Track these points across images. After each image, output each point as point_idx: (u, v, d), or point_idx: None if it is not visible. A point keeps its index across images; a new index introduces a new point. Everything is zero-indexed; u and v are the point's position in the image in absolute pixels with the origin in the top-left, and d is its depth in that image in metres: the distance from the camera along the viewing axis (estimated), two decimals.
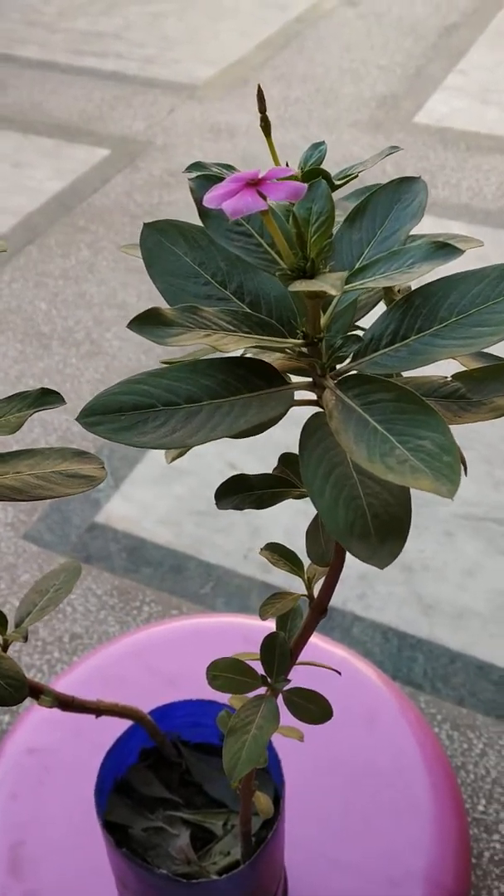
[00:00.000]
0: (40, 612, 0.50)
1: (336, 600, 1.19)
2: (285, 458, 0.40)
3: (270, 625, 1.03)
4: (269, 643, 0.44)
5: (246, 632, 0.98)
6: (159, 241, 0.32)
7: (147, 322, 0.28)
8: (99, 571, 1.24)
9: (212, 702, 0.65)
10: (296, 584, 1.21)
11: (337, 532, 0.28)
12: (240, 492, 0.38)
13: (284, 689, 0.43)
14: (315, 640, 1.00)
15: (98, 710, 0.57)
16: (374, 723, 0.87)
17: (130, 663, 0.95)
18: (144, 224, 0.33)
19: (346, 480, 0.29)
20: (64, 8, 3.07)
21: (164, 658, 0.96)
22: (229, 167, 0.37)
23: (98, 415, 0.30)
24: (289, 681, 0.44)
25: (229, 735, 0.41)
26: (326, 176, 0.31)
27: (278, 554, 0.43)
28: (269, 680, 0.44)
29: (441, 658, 1.13)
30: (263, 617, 0.43)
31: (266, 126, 0.35)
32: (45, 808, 0.82)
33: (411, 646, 1.14)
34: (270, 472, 0.42)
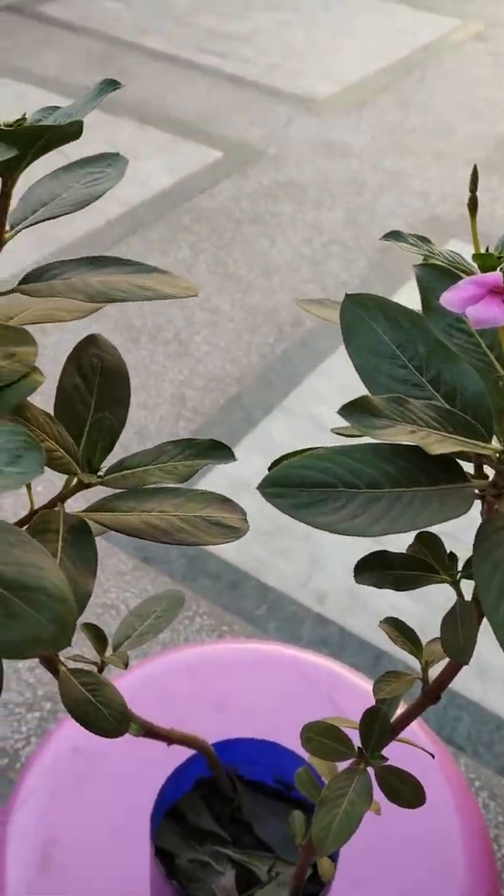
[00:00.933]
0: (139, 638, 0.50)
1: (388, 645, 1.18)
2: (423, 538, 0.39)
3: (327, 662, 1.02)
4: (370, 717, 0.43)
5: (301, 667, 0.97)
6: (359, 315, 0.32)
7: (356, 409, 0.28)
8: (157, 574, 1.25)
9: (276, 744, 0.64)
10: (350, 623, 1.20)
11: None
12: (380, 569, 0.37)
13: (379, 766, 0.43)
14: (367, 686, 0.98)
15: (171, 739, 0.56)
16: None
17: (182, 679, 0.95)
18: (346, 295, 0.32)
19: None
20: (194, 4, 3.10)
21: (216, 679, 0.95)
22: (426, 240, 0.36)
23: (280, 486, 0.30)
24: (385, 759, 0.43)
25: (321, 806, 0.41)
26: None
27: (399, 631, 0.43)
28: (364, 753, 0.43)
29: (488, 723, 1.11)
30: (377, 695, 0.42)
31: (473, 205, 0.35)
32: (82, 809, 0.82)
33: (459, 706, 1.13)
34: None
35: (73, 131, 0.34)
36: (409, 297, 1.78)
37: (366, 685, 1.01)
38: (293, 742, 0.79)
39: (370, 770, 0.44)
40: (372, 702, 1.01)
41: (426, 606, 1.22)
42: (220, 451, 0.35)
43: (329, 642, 1.18)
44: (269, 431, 1.47)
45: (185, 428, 1.46)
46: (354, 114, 2.46)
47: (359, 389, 1.23)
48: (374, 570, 0.37)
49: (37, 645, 0.25)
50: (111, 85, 0.37)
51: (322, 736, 0.44)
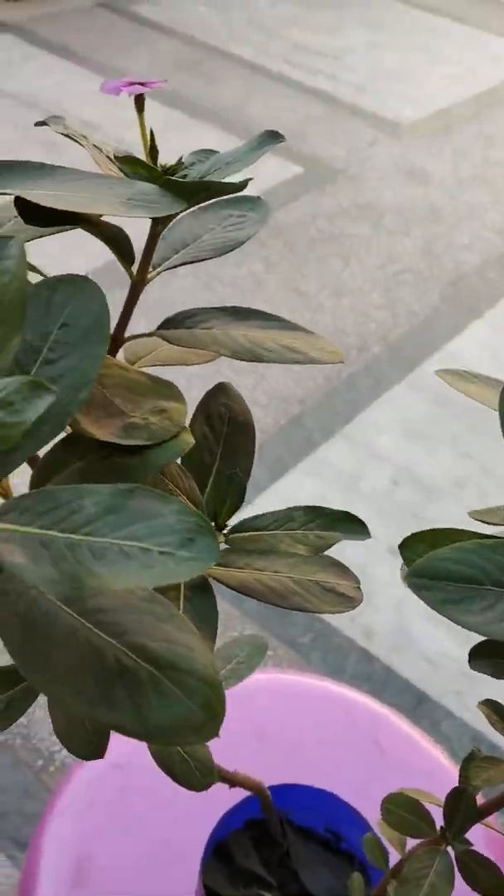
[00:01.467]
0: (223, 682, 0.49)
1: (432, 689, 1.16)
2: None
3: (375, 706, 1.00)
4: (456, 798, 0.42)
5: (347, 705, 0.95)
6: None
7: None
8: None
9: (331, 794, 0.63)
10: (395, 661, 1.18)
11: None
12: (498, 657, 0.36)
13: (462, 849, 0.41)
14: (411, 732, 0.96)
15: (233, 781, 0.56)
16: None
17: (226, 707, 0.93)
18: None
19: None
20: (288, 16, 3.10)
21: (260, 709, 0.94)
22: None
23: (426, 578, 0.29)
24: (469, 844, 0.41)
25: (401, 885, 0.40)
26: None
27: (498, 714, 0.41)
28: (447, 834, 0.42)
29: None
30: (473, 783, 0.40)
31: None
32: (121, 827, 0.82)
33: None
34: None
35: (240, 187, 0.33)
36: (478, 334, 1.76)
37: (410, 730, 0.99)
38: (336, 781, 0.78)
39: (450, 851, 0.43)
40: (417, 745, 0.99)
41: None
42: (352, 524, 0.34)
43: (372, 679, 1.17)
44: (327, 456, 1.46)
45: None
46: (438, 141, 2.44)
47: (418, 423, 1.23)
48: (493, 658, 0.35)
49: (185, 732, 0.24)
50: (274, 137, 0.37)
51: (403, 810, 0.43)
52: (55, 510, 0.24)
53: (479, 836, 0.45)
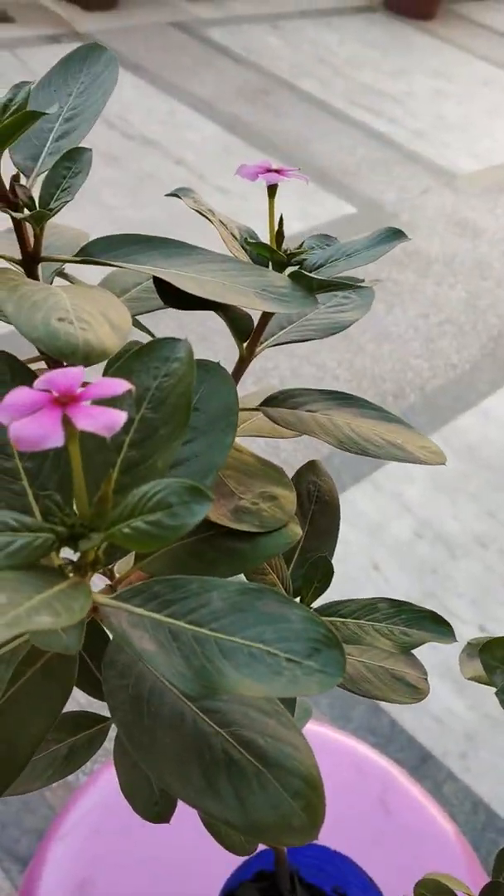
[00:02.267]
0: None
1: (437, 748, 1.16)
2: None
3: (384, 762, 1.00)
4: (490, 892, 0.42)
5: (359, 762, 0.96)
6: None
7: None
8: None
9: (345, 857, 0.64)
10: (406, 718, 1.18)
11: None
12: None
13: None
14: (418, 794, 0.96)
15: None
16: None
17: None
18: None
19: None
20: (355, 55, 3.14)
21: None
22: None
23: None
24: None
25: None
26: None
27: None
28: None
29: None
30: (496, 877, 0.41)
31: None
32: (124, 854, 0.82)
33: (497, 829, 1.10)
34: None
35: (367, 292, 0.34)
36: None
37: (415, 790, 0.99)
38: (340, 838, 0.78)
39: None
40: (423, 809, 0.98)
41: (479, 714, 1.20)
42: (438, 625, 0.35)
43: (378, 732, 1.17)
44: (354, 501, 1.47)
45: None
46: (493, 196, 2.46)
47: (446, 478, 1.24)
48: None
49: (286, 832, 0.25)
50: (397, 235, 0.38)
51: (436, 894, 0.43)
52: (184, 600, 0.25)
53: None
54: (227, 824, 0.25)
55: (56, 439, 0.20)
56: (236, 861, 0.70)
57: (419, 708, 1.19)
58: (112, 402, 0.22)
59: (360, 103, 2.80)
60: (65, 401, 0.21)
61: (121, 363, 0.25)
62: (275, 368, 1.70)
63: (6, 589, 0.21)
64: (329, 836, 0.76)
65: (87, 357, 0.25)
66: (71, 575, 0.23)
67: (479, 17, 3.81)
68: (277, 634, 0.24)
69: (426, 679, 0.39)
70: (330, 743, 1.01)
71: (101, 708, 0.79)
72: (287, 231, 2.09)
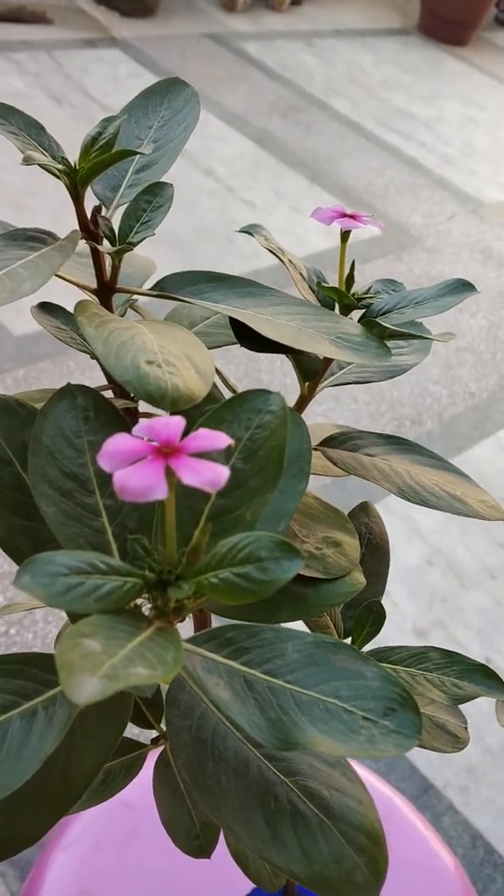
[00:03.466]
0: None
1: (438, 779, 1.16)
2: None
3: (383, 787, 0.99)
4: None
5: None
6: None
7: None
8: None
9: None
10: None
11: None
12: None
13: None
14: (421, 827, 0.96)
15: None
16: None
17: None
18: None
19: None
20: (389, 77, 3.16)
21: None
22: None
23: None
24: None
25: None
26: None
27: None
28: None
29: None
30: None
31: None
32: (124, 866, 0.82)
33: (495, 864, 1.09)
34: None
35: (437, 340, 0.34)
36: None
37: (418, 822, 0.99)
38: None
39: None
40: (425, 842, 0.98)
41: (480, 748, 1.20)
42: (489, 679, 0.35)
43: (380, 760, 1.16)
44: None
45: None
46: None
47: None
48: None
49: (349, 887, 0.25)
50: (467, 288, 0.38)
51: None
52: (259, 649, 0.25)
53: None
54: (291, 875, 0.25)
55: (161, 492, 0.20)
56: (239, 885, 0.70)
57: None
58: (210, 454, 0.23)
59: (390, 126, 2.82)
60: (167, 451, 0.21)
61: (212, 413, 0.25)
62: (294, 384, 1.70)
63: (98, 635, 0.21)
64: None
65: (175, 403, 0.25)
66: (156, 622, 0.24)
67: None
68: (353, 692, 0.24)
69: (466, 727, 0.39)
70: None
71: (138, 734, 0.78)
72: (311, 249, 2.09)
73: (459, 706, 0.35)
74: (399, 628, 1.30)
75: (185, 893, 0.77)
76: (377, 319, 0.35)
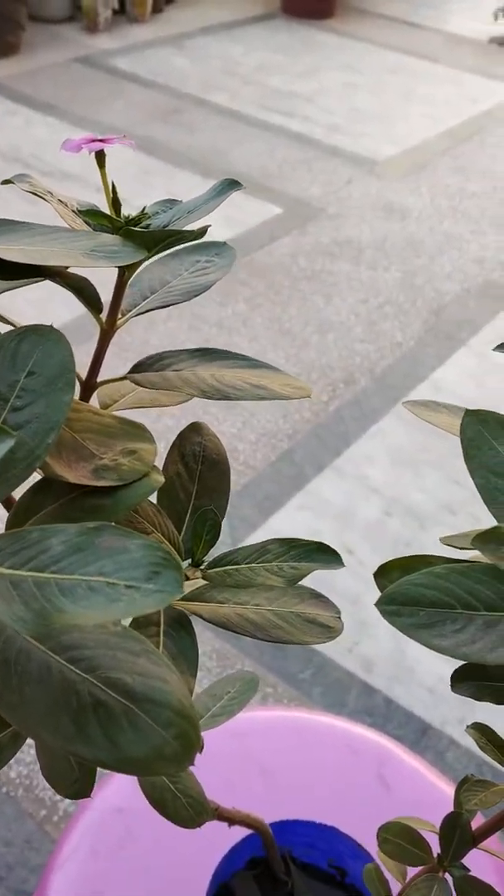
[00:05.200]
0: (212, 720, 0.49)
1: (435, 719, 1.16)
2: None
3: (377, 738, 0.99)
4: (451, 824, 0.42)
5: (351, 741, 0.95)
6: (480, 432, 0.32)
7: (491, 540, 0.27)
8: (201, 630, 1.24)
9: (333, 829, 0.63)
10: (398, 693, 1.18)
11: None
12: (478, 680, 0.36)
13: (458, 875, 0.41)
14: (416, 765, 0.96)
15: (232, 819, 0.55)
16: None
17: (228, 744, 0.93)
18: (466, 412, 0.32)
19: None
20: (262, 63, 3.18)
21: (263, 746, 0.94)
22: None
23: (398, 604, 0.30)
24: (467, 870, 0.41)
25: None
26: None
27: (487, 738, 0.42)
28: (444, 861, 0.42)
29: None
30: (464, 806, 0.41)
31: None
32: (124, 872, 0.81)
33: None
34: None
35: (199, 235, 0.34)
36: (463, 362, 1.78)
37: (414, 762, 0.99)
38: (340, 817, 0.77)
39: (448, 878, 0.43)
40: (423, 778, 0.98)
41: None
42: (326, 554, 0.35)
43: (374, 712, 1.16)
44: (319, 490, 1.47)
45: (236, 482, 1.46)
46: (414, 177, 2.49)
47: (407, 452, 1.24)
48: (473, 681, 0.36)
49: (160, 762, 0.24)
50: (233, 185, 0.38)
51: (399, 838, 0.43)
52: (24, 550, 0.25)
53: (477, 861, 0.45)
54: (100, 765, 0.24)
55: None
56: (235, 862, 0.70)
57: (411, 682, 1.19)
58: None
59: (272, 107, 2.83)
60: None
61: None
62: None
63: None
64: (329, 817, 0.76)
65: None
66: None
67: (374, 8, 3.88)
68: (117, 566, 0.24)
69: (338, 617, 0.38)
70: (321, 728, 1.00)
71: None
72: (217, 239, 2.11)
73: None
74: (369, 583, 1.30)
75: (183, 882, 0.76)
76: (134, 228, 0.35)
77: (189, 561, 0.36)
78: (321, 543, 0.35)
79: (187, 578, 0.36)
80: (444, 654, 0.29)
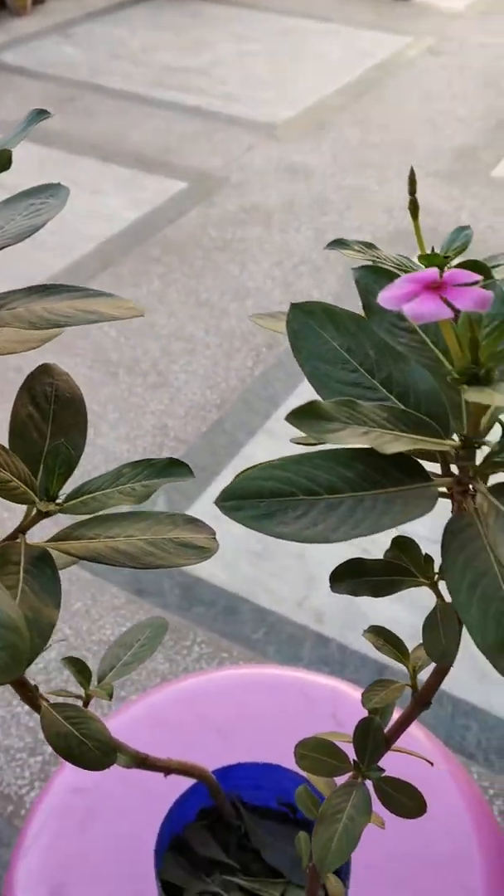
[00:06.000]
0: (124, 668, 0.49)
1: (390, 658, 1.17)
2: (399, 543, 0.39)
3: (328, 681, 1.00)
4: (364, 729, 0.42)
5: (303, 687, 0.96)
6: (307, 323, 0.32)
7: (305, 416, 0.27)
8: (151, 606, 1.24)
9: (276, 766, 0.63)
10: (351, 639, 1.20)
11: (486, 649, 0.26)
12: (356, 577, 0.37)
13: (376, 777, 0.42)
14: None
15: (168, 768, 0.55)
16: (429, 796, 0.84)
17: (183, 709, 0.93)
18: (292, 305, 0.32)
19: (496, 593, 0.27)
20: (151, 42, 3.14)
21: (217, 706, 0.94)
22: (371, 246, 0.36)
23: (237, 499, 0.30)
24: (382, 770, 0.42)
25: (320, 823, 0.40)
26: (486, 270, 0.30)
27: (384, 639, 0.42)
28: (360, 767, 0.42)
29: (496, 729, 1.10)
30: (367, 706, 0.41)
31: (414, 209, 0.35)
32: (89, 850, 0.81)
33: (465, 713, 1.11)
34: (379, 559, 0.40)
35: (2, 161, 0.34)
36: None
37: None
38: (291, 758, 0.78)
39: (369, 783, 0.43)
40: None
41: (420, 615, 1.22)
42: (178, 468, 0.35)
43: (330, 661, 1.17)
44: (253, 455, 1.47)
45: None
46: (314, 136, 2.49)
47: None
48: (350, 577, 0.36)
49: None
50: (41, 114, 0.37)
51: (316, 752, 0.43)
52: None
53: (394, 763, 0.46)
54: None
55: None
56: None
57: (363, 627, 1.20)
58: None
59: (167, 84, 2.80)
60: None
61: None
62: (145, 354, 1.69)
63: None
64: (282, 762, 0.76)
65: None
66: None
67: None
68: None
69: (213, 538, 0.38)
70: (273, 680, 1.01)
71: None
72: (123, 221, 2.08)
73: None
74: None
75: (147, 851, 0.76)
76: None
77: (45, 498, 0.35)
78: (173, 459, 0.35)
79: (45, 515, 0.35)
80: (287, 540, 0.29)
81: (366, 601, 1.22)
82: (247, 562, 1.29)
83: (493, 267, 0.35)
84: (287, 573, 1.27)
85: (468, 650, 1.06)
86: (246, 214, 2.12)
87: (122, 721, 0.91)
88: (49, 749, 1.06)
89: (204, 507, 1.36)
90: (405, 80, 2.84)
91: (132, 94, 2.73)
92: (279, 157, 2.37)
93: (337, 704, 0.93)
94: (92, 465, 1.42)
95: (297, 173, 2.30)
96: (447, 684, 1.14)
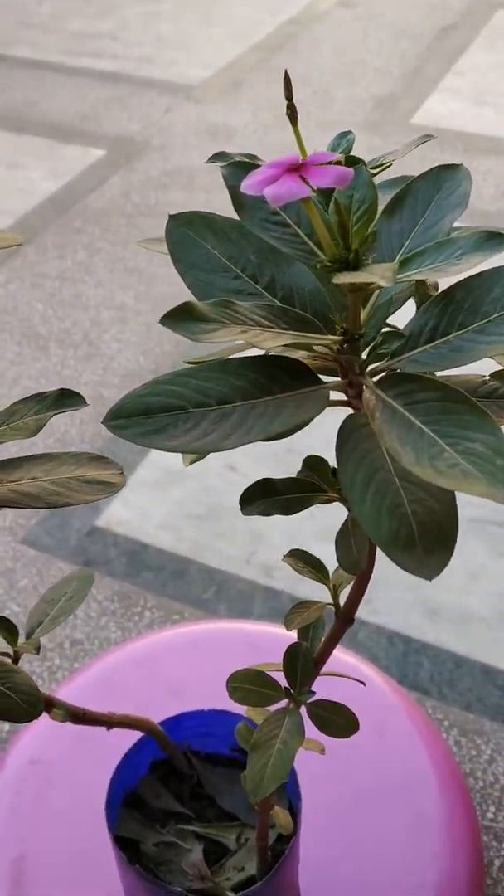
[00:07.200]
0: (52, 622, 0.48)
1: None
2: (310, 462, 0.39)
3: (276, 629, 1.01)
4: (293, 653, 0.42)
5: (251, 638, 0.96)
6: (186, 233, 0.31)
7: (180, 318, 0.27)
8: (100, 577, 1.23)
9: (223, 711, 0.63)
10: (300, 589, 1.21)
11: (380, 542, 0.26)
12: (266, 497, 0.36)
13: (308, 701, 0.42)
14: None
15: (109, 722, 0.55)
16: (383, 731, 0.86)
17: (133, 671, 0.93)
18: (170, 216, 0.31)
19: (388, 486, 0.27)
20: (57, 9, 3.06)
21: (167, 666, 0.94)
22: (253, 157, 0.36)
23: (124, 418, 0.29)
24: (313, 693, 0.42)
25: (253, 750, 0.40)
26: (361, 164, 0.29)
27: (303, 561, 0.42)
28: (292, 692, 0.42)
29: (447, 663, 1.11)
30: (289, 627, 0.41)
31: (292, 114, 0.34)
32: (48, 821, 0.80)
33: (416, 651, 1.13)
34: (292, 476, 0.40)
35: None
36: None
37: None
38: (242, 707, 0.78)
39: (302, 709, 0.43)
40: (330, 658, 1.00)
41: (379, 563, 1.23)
42: (70, 398, 0.34)
43: (282, 613, 1.17)
44: None
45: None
46: (232, 95, 2.46)
47: None
48: (261, 498, 0.36)
49: None
50: None
51: (247, 683, 0.43)
52: None
53: (326, 686, 0.46)
54: None
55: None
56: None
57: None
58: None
59: (78, 51, 2.73)
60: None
61: None
62: (75, 325, 1.66)
63: None
64: (236, 709, 0.76)
65: None
66: None
67: None
68: None
69: (121, 473, 0.38)
70: (221, 634, 1.01)
71: None
72: (43, 193, 2.03)
73: None
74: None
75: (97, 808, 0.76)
76: None
77: None
78: (64, 389, 0.34)
79: None
80: (177, 452, 0.28)
81: (315, 550, 1.23)
82: (191, 525, 1.28)
83: (377, 166, 0.35)
84: (232, 532, 1.27)
85: (416, 592, 1.07)
86: (168, 178, 2.09)
87: (73, 687, 0.90)
88: (5, 727, 1.05)
89: (146, 473, 1.35)
90: (319, 34, 2.82)
91: (44, 63, 2.66)
92: (198, 119, 2.34)
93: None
94: (28, 443, 1.39)
95: (219, 134, 2.27)
96: (398, 626, 1.16)
